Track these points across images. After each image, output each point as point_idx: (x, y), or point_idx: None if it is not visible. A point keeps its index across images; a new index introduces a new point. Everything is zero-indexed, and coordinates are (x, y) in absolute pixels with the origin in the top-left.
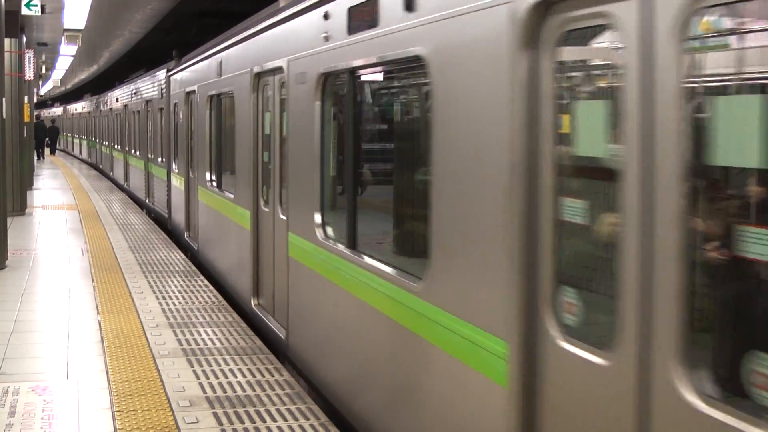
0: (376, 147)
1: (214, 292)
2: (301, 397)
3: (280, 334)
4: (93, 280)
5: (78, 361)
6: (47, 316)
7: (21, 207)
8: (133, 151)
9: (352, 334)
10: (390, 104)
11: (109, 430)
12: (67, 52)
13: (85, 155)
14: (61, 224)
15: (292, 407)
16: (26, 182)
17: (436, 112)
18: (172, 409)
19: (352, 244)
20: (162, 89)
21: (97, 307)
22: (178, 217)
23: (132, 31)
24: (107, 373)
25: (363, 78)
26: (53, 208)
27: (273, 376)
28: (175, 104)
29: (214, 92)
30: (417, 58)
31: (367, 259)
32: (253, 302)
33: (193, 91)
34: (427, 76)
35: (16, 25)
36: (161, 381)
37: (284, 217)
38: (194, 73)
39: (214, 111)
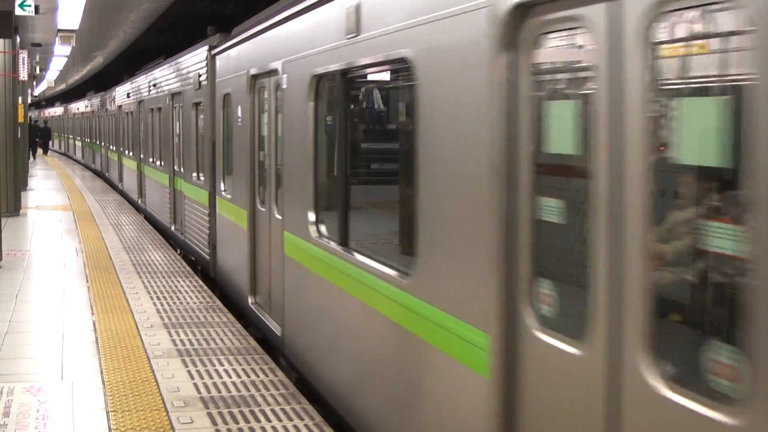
0: None
1: (209, 292)
2: (296, 397)
3: None
4: (87, 281)
5: (72, 362)
6: (42, 316)
7: (15, 207)
8: (151, 161)
9: None
10: None
11: (104, 430)
12: (62, 53)
13: (88, 161)
14: (55, 225)
15: (287, 407)
16: (20, 183)
17: None
18: (166, 410)
19: None
20: (200, 76)
21: (91, 308)
22: (232, 266)
23: (127, 32)
24: (102, 373)
25: None
26: (48, 209)
27: (267, 376)
28: (225, 95)
29: (333, 68)
30: None
31: None
32: None
33: (271, 72)
34: None
35: (9, 25)
36: (156, 381)
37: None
38: (272, 43)
39: (332, 103)
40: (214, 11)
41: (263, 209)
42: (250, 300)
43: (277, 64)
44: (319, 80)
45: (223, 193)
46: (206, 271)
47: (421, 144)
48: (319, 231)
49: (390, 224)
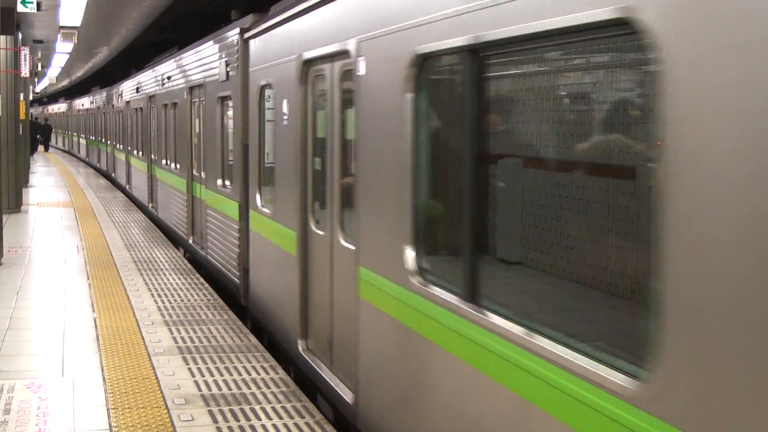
0: None
1: (210, 289)
2: (296, 395)
3: None
4: (88, 278)
5: (73, 359)
6: (43, 313)
7: (16, 204)
8: (164, 162)
9: None
10: None
11: (104, 427)
12: (63, 50)
13: (93, 160)
14: (56, 222)
15: (287, 405)
16: (22, 179)
17: None
18: (167, 407)
19: None
20: (227, 65)
21: (92, 305)
22: (272, 298)
23: (129, 29)
24: (102, 370)
25: None
26: (49, 206)
27: (268, 374)
28: (262, 87)
29: (456, 43)
30: None
31: None
32: None
33: (336, 55)
34: None
35: (12, 22)
36: (156, 378)
37: None
38: (336, 16)
39: (450, 94)
40: (215, 8)
41: (320, 232)
42: (300, 345)
43: (347, 44)
44: (425, 62)
45: (259, 206)
46: (234, 296)
47: (673, 160)
48: (423, 275)
49: (565, 273)
